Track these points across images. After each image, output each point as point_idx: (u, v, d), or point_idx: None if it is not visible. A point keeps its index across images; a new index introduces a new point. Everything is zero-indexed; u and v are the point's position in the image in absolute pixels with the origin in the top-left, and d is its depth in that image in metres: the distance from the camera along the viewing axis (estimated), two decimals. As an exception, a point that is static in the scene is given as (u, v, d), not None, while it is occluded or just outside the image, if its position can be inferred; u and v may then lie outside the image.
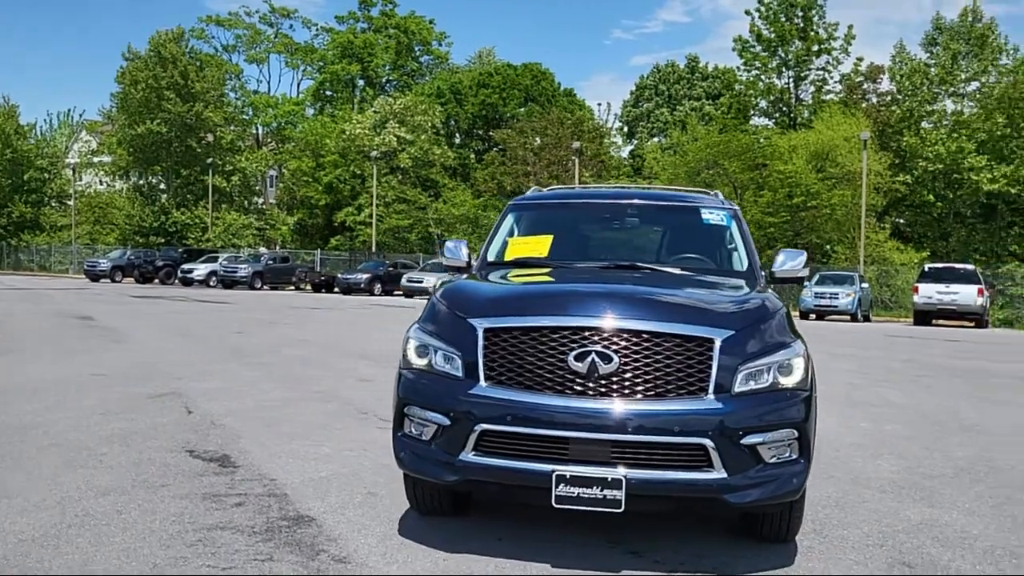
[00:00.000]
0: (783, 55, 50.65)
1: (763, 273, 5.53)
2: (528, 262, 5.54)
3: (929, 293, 28.77)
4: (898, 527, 5.03)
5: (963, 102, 45.71)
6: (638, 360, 4.07)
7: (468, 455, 4.15)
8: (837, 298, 30.51)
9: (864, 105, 48.52)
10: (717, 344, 4.10)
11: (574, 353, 4.09)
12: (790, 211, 40.12)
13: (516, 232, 5.98)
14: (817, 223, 40.18)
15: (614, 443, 4.01)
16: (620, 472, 3.96)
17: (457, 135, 68.96)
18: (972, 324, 29.22)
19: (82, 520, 4.70)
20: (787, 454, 4.12)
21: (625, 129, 66.02)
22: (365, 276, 43.03)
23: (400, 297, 40.51)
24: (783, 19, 50.22)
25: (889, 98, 48.53)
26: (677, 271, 5.35)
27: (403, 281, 41.29)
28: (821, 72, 50.48)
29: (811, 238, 41.08)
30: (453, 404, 4.21)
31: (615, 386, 4.05)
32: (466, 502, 4.98)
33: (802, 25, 49.97)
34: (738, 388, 4.07)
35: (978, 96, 44.61)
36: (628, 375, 4.06)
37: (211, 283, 45.37)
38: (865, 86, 50.25)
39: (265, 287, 45.17)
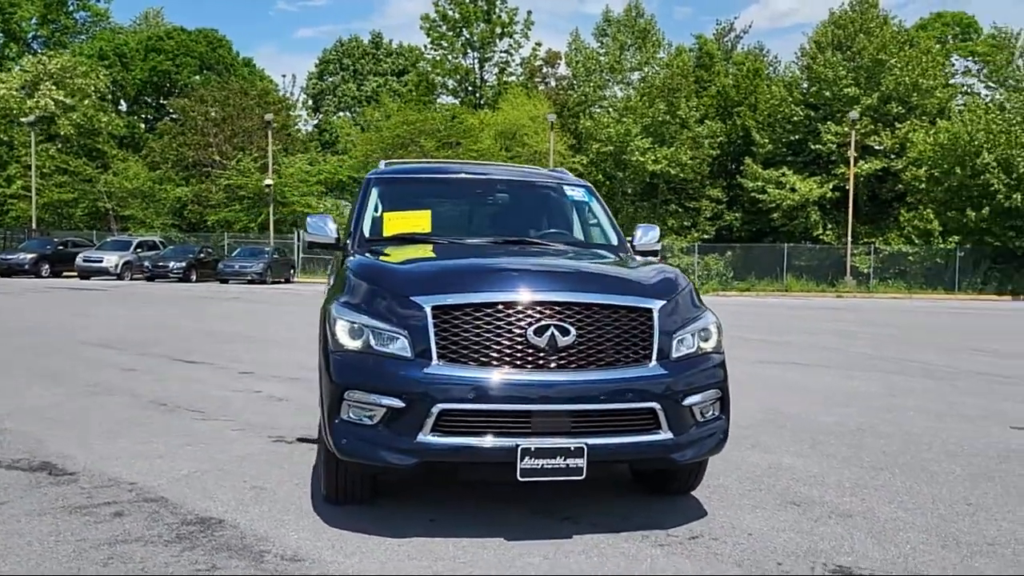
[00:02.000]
0: (468, 36, 52.35)
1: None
2: (413, 238, 5.42)
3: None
4: (757, 472, 5.63)
5: (629, 89, 50.15)
6: (591, 332, 4.20)
7: (426, 436, 4.04)
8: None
9: (543, 88, 51.66)
10: (655, 314, 4.34)
11: (533, 327, 4.12)
12: (484, 188, 41.76)
13: (381, 207, 5.80)
14: (509, 199, 42.29)
15: (574, 413, 4.12)
16: (581, 441, 4.08)
17: (123, 102, 63.38)
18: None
19: (-58, 551, 3.93)
20: (712, 412, 4.48)
21: (310, 102, 64.65)
22: (29, 256, 38.24)
23: (74, 278, 36.70)
24: (467, 1, 51.86)
25: (566, 83, 52.10)
26: (563, 246, 5.51)
27: (78, 261, 37.43)
28: (504, 55, 52.97)
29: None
30: (406, 385, 4.07)
31: (572, 358, 4.16)
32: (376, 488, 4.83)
33: (486, 8, 51.94)
34: (674, 354, 4.35)
35: (641, 85, 49.24)
36: (583, 347, 4.17)
37: None
38: (545, 70, 53.52)
39: None
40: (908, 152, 41.72)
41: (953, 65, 50.59)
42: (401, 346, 4.14)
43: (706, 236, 47.74)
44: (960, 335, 17.48)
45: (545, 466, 4.05)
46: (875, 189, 44.87)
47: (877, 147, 43.99)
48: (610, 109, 47.32)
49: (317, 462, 5.09)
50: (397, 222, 5.56)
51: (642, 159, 45.37)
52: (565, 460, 4.06)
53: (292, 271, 40.68)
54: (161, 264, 36.83)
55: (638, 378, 4.21)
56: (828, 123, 44.33)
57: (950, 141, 38.03)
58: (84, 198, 51.25)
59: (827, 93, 44.80)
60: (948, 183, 39.13)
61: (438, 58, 53.40)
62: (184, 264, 36.81)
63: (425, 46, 54.73)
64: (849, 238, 40.82)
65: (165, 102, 61.71)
